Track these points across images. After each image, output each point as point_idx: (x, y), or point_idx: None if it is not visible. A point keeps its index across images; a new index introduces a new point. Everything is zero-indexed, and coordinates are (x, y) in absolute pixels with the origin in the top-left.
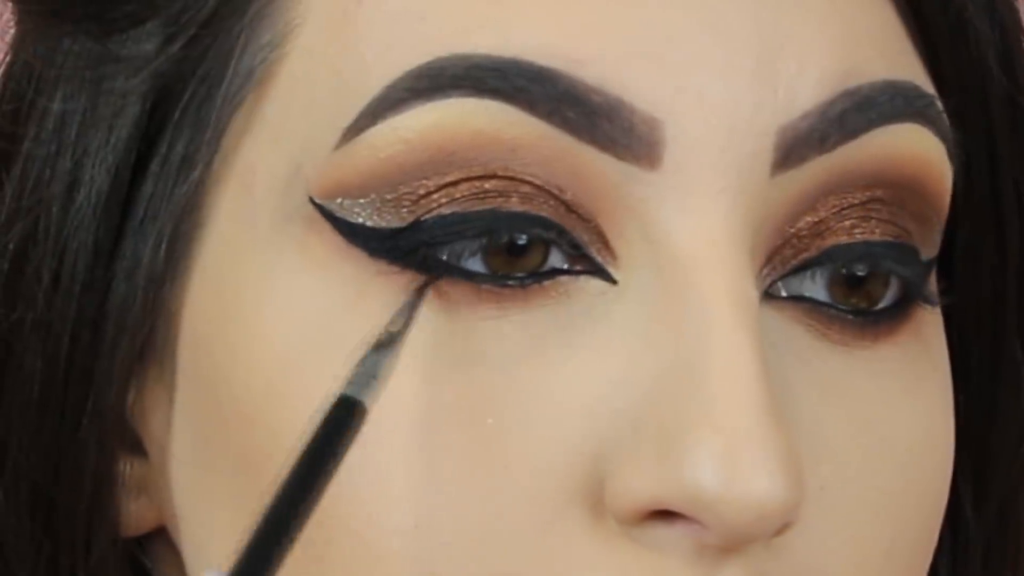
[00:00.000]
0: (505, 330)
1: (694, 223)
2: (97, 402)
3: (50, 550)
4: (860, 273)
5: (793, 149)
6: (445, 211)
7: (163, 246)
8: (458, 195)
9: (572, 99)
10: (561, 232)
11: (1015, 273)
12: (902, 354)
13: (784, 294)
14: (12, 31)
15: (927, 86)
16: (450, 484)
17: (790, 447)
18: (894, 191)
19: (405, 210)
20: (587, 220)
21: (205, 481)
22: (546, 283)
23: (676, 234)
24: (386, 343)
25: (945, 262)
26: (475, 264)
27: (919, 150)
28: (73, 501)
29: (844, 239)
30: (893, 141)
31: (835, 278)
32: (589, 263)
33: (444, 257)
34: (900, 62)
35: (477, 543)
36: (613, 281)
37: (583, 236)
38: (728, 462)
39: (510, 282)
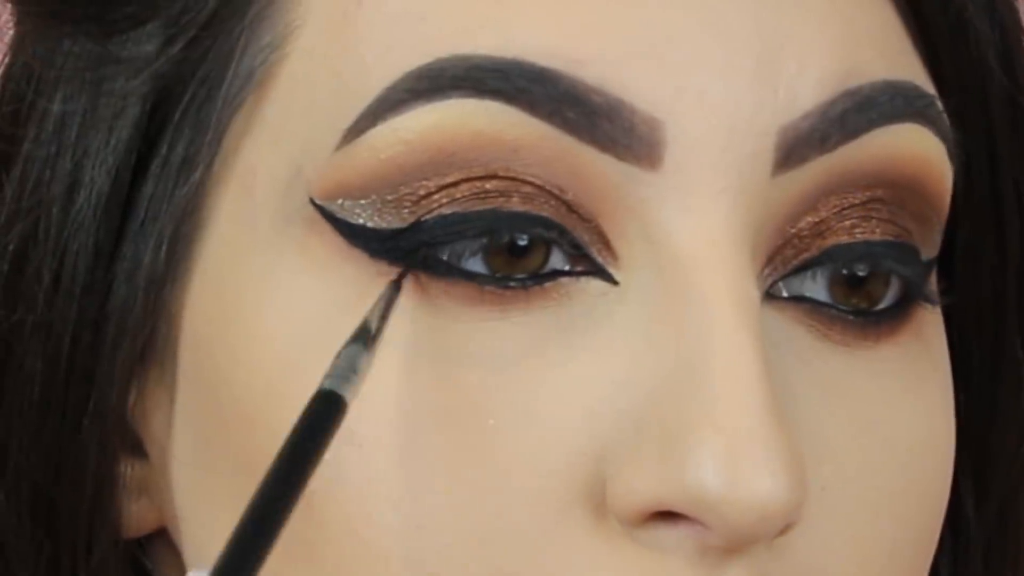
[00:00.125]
0: (506, 331)
1: (695, 223)
2: (98, 403)
3: (51, 551)
4: (861, 273)
5: (794, 149)
6: (446, 211)
7: (164, 247)
8: (459, 195)
9: (573, 99)
10: (562, 232)
11: (1015, 272)
12: (903, 354)
13: (785, 294)
14: (11, 32)
15: (927, 86)
16: (451, 485)
17: (792, 447)
18: (894, 191)
19: (406, 211)
20: (588, 220)
21: (206, 482)
22: (547, 284)
23: (677, 234)
24: (363, 336)
25: (945, 262)
26: (476, 264)
27: (919, 150)
28: (74, 502)
29: (845, 239)
30: (894, 141)
31: (836, 278)
32: (590, 263)
33: (445, 257)
34: (900, 62)
35: (478, 544)
36: (614, 282)
37: (584, 236)
38: (731, 463)
39: (511, 283)
